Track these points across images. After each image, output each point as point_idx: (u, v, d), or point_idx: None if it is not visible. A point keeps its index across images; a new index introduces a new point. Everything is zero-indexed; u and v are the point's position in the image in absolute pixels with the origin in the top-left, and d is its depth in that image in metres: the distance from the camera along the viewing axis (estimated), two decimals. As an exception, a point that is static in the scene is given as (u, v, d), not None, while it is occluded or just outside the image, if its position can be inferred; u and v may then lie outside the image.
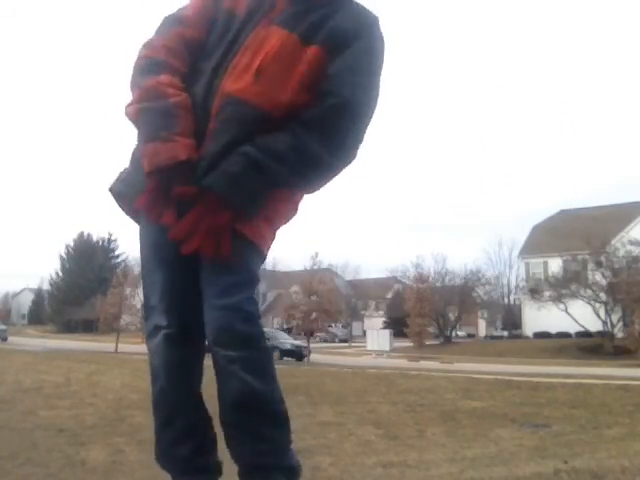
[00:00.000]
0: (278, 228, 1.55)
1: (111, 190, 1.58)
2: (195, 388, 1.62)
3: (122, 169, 1.59)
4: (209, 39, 1.53)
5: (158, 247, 1.50)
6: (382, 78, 1.52)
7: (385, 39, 1.51)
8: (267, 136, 1.38)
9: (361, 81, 1.45)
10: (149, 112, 1.40)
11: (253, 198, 1.39)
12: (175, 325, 1.51)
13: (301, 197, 1.58)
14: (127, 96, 1.51)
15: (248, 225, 1.42)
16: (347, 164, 1.49)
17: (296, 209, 1.59)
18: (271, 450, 1.47)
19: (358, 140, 1.48)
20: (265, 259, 1.56)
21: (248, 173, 1.37)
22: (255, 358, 1.44)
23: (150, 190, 1.40)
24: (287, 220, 1.57)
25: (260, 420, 1.45)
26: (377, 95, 1.51)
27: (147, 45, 1.53)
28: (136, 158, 1.51)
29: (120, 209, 1.57)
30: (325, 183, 1.50)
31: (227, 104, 1.42)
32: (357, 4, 1.56)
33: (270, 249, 1.55)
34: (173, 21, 1.57)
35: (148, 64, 1.47)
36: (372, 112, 1.49)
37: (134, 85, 1.48)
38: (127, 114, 1.45)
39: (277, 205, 1.49)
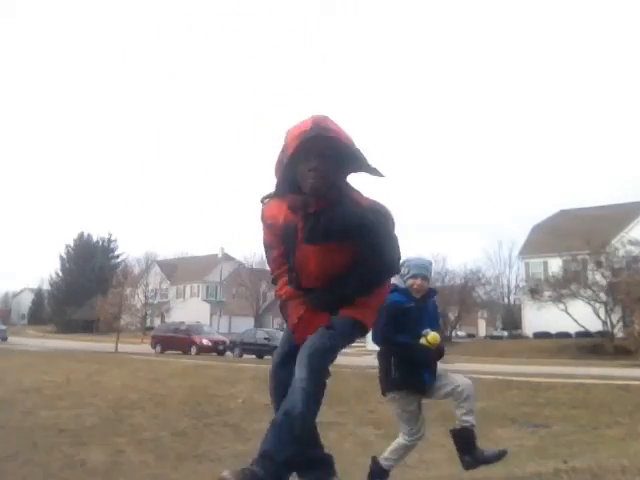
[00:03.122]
0: (375, 306, 2.52)
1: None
2: None
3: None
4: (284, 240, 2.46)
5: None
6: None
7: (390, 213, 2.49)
8: (337, 282, 2.40)
9: (386, 254, 2.44)
10: (282, 305, 2.59)
11: (342, 305, 2.43)
12: (281, 354, 2.61)
13: (384, 289, 2.58)
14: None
15: (352, 309, 2.41)
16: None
17: (381, 295, 2.57)
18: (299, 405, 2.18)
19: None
20: (369, 328, 2.53)
21: (337, 302, 2.44)
22: (326, 350, 2.32)
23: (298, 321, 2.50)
24: (379, 301, 2.55)
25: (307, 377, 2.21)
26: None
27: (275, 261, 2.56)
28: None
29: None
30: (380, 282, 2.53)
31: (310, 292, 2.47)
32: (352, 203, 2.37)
33: (372, 321, 2.55)
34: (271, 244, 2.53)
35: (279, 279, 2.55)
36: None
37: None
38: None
39: (369, 297, 2.47)
